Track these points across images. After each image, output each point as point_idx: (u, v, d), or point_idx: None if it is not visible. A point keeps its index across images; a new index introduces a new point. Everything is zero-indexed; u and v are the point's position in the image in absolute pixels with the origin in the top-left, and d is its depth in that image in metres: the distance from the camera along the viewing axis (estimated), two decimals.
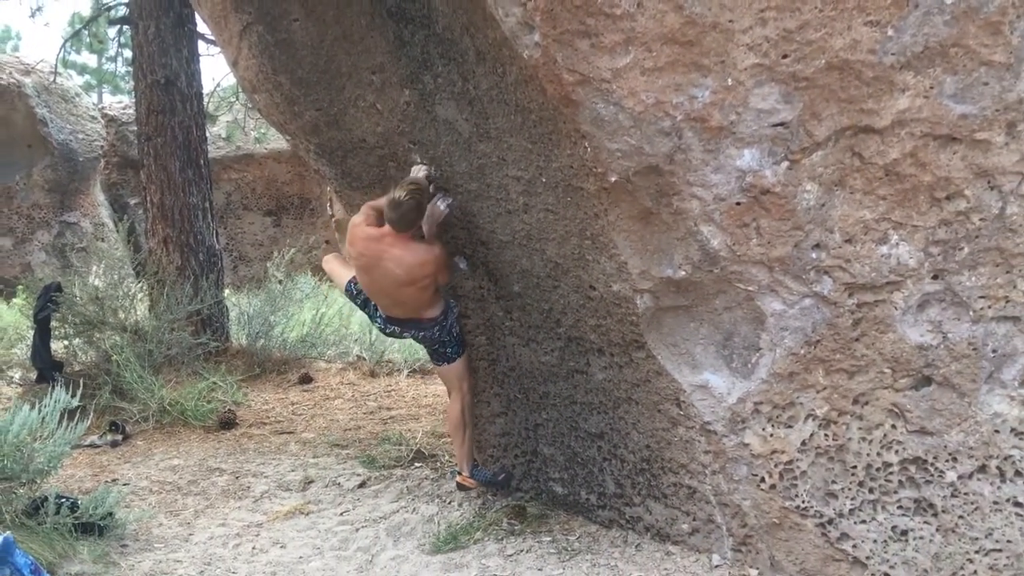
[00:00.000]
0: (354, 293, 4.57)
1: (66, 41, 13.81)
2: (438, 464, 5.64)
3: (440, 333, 4.47)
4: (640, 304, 3.45)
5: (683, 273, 3.27)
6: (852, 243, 2.98)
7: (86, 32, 13.45)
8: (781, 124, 2.89)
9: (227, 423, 7.01)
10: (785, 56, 2.78)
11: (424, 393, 7.96)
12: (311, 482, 5.46)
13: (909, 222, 2.91)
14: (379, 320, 4.50)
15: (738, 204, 3.04)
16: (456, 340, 4.57)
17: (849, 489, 3.25)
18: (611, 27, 2.81)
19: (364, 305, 4.57)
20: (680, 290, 3.35)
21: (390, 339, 9.07)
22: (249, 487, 5.41)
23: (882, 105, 2.79)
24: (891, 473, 3.18)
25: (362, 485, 5.33)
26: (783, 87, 2.83)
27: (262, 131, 16.48)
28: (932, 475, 3.11)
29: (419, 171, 4.15)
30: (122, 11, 11.38)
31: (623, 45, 2.83)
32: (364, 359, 9.26)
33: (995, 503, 3.00)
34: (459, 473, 4.65)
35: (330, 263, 4.90)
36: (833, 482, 3.27)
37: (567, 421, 4.34)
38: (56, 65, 13.87)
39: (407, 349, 8.88)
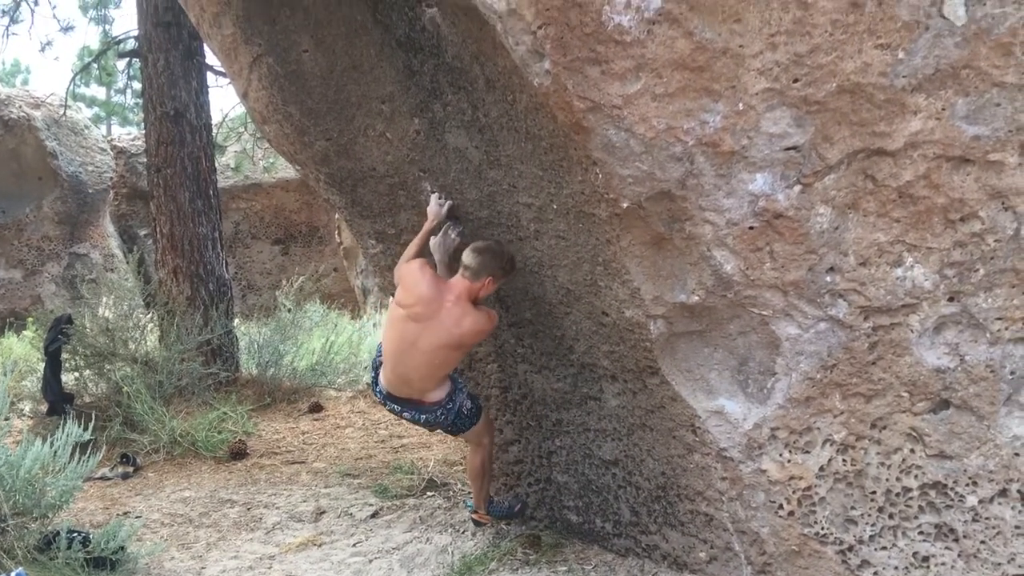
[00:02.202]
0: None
1: (76, 75, 13.94)
2: (451, 493, 5.61)
3: (446, 417, 4.20)
4: (653, 330, 3.43)
5: (696, 298, 3.26)
6: (867, 266, 2.97)
7: (95, 65, 13.56)
8: (793, 148, 2.88)
9: (238, 454, 6.99)
10: (796, 80, 2.78)
11: None
12: (323, 513, 5.43)
13: (924, 244, 2.89)
14: (379, 394, 4.27)
15: (751, 228, 3.03)
16: (469, 415, 4.26)
17: (869, 515, 3.21)
18: (621, 54, 2.82)
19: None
20: (694, 315, 3.33)
21: None
22: (261, 518, 5.38)
23: (894, 128, 2.78)
24: (911, 498, 3.14)
25: (374, 515, 5.30)
26: (794, 111, 2.83)
27: (271, 160, 16.59)
28: (952, 500, 3.08)
29: (433, 201, 4.15)
30: (131, 44, 11.49)
31: (633, 71, 2.83)
32: None
33: (1017, 527, 2.96)
34: (475, 511, 4.62)
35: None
36: (852, 508, 3.23)
37: (581, 448, 4.31)
38: (66, 98, 13.98)
39: None
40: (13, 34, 12.65)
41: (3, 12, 12.15)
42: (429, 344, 3.95)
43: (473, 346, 4.15)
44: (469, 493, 4.86)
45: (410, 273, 4.04)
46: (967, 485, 3.04)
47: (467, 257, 3.91)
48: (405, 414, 4.23)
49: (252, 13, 4.15)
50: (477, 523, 4.65)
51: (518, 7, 2.81)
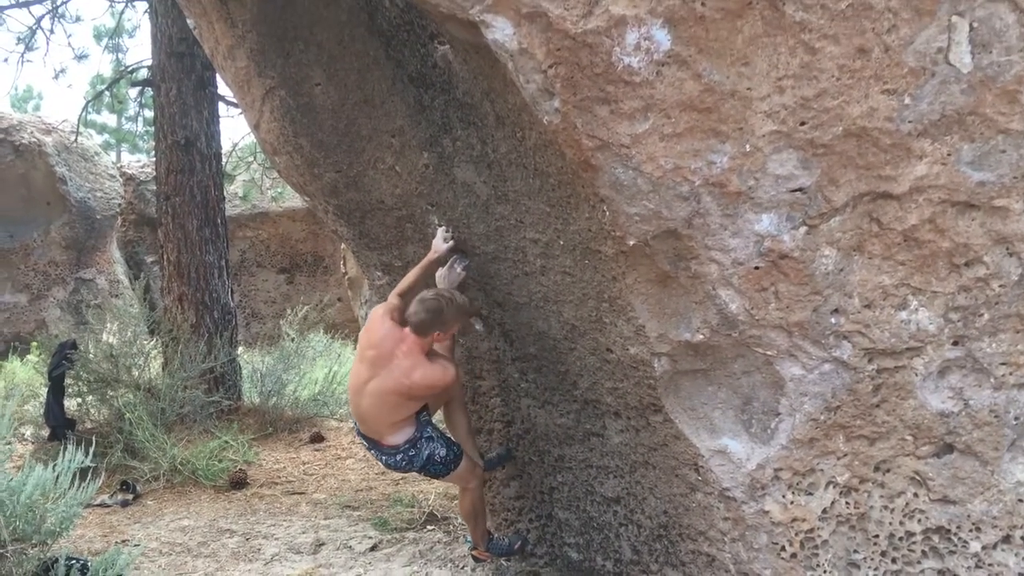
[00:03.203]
0: None
1: (89, 102, 14.09)
2: (451, 527, 5.58)
3: (404, 463, 4.15)
4: (658, 367, 3.43)
5: (701, 337, 3.26)
6: (871, 308, 2.98)
7: (107, 93, 13.72)
8: (799, 190, 2.91)
9: (238, 483, 6.97)
10: (803, 123, 2.81)
11: None
12: (322, 545, 5.40)
13: (928, 288, 2.91)
14: (355, 425, 4.29)
15: (756, 268, 3.04)
16: (443, 462, 4.19)
17: (872, 559, 3.19)
18: (630, 94, 2.85)
19: None
20: (698, 354, 3.34)
21: None
22: (260, 549, 5.35)
23: (900, 172, 2.81)
24: (914, 543, 3.13)
25: (374, 548, 5.27)
26: (801, 153, 2.86)
27: (278, 190, 16.69)
28: (956, 545, 3.06)
29: (440, 236, 4.17)
30: (144, 73, 11.62)
31: (642, 111, 2.86)
32: None
33: (1020, 574, 2.94)
34: (475, 548, 4.59)
35: None
36: (855, 551, 3.21)
37: (583, 485, 4.29)
38: (78, 125, 14.12)
39: None
40: (28, 61, 12.82)
41: (18, 40, 12.32)
42: (378, 389, 3.97)
43: (428, 398, 4.09)
44: (473, 559, 4.83)
45: (373, 318, 4.11)
46: (970, 531, 3.02)
47: (412, 311, 3.92)
48: (372, 451, 4.26)
49: (266, 47, 4.21)
50: (477, 559, 4.63)
51: (530, 46, 2.85)
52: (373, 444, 4.18)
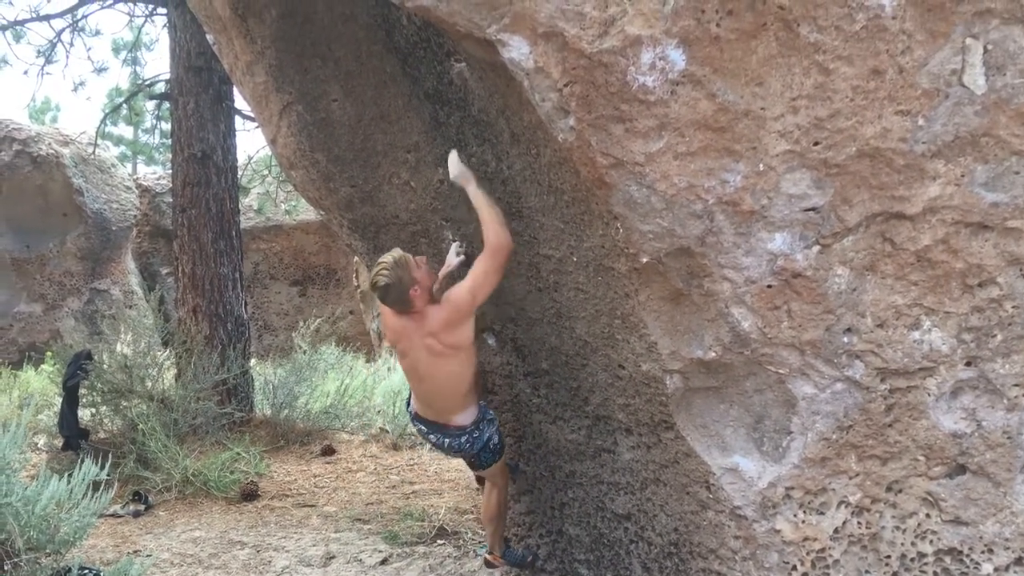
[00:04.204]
0: None
1: (107, 115, 14.22)
2: (461, 542, 5.58)
3: (468, 444, 4.15)
4: (670, 384, 3.44)
5: (713, 354, 3.27)
6: (884, 328, 2.98)
7: (125, 105, 13.86)
8: (812, 209, 2.92)
9: (249, 495, 6.99)
10: (816, 143, 2.82)
11: (447, 468, 7.92)
12: (332, 558, 5.41)
13: (941, 308, 2.91)
14: (410, 413, 4.33)
15: (769, 287, 3.05)
16: (494, 450, 4.25)
17: None
18: (645, 113, 2.87)
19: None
20: (710, 371, 3.34)
21: None
22: (270, 561, 5.36)
23: (913, 192, 2.82)
24: (926, 564, 3.12)
25: (384, 562, 5.27)
26: (814, 173, 2.87)
27: (292, 203, 16.78)
28: (968, 567, 3.05)
29: (453, 250, 4.20)
30: (161, 87, 11.74)
31: (656, 130, 2.89)
32: (387, 432, 9.25)
33: None
34: (490, 552, 4.59)
35: None
36: (866, 572, 3.20)
37: (593, 501, 4.29)
38: (96, 137, 14.26)
39: None
40: (48, 74, 12.96)
41: (39, 52, 12.46)
42: (425, 363, 3.98)
43: (464, 337, 3.91)
44: (479, 542, 4.84)
45: (385, 322, 4.14)
46: (983, 552, 3.01)
47: (386, 301, 3.92)
48: (431, 436, 4.22)
49: (284, 63, 4.25)
50: (489, 564, 4.62)
51: (545, 65, 2.88)
52: (436, 429, 4.15)
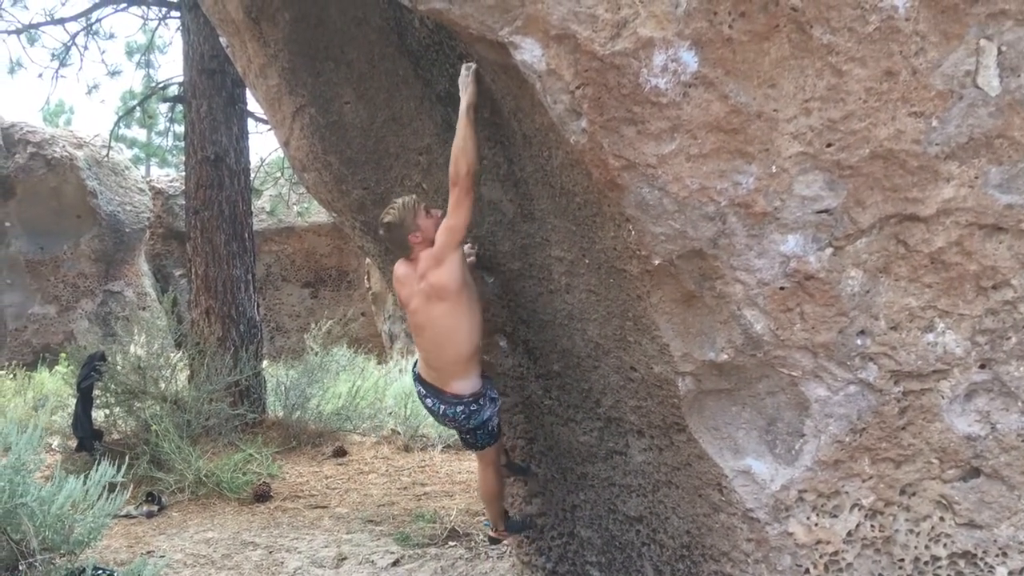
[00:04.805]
0: None
1: (120, 118, 14.30)
2: (472, 543, 5.59)
3: (464, 419, 4.10)
4: (682, 387, 3.43)
5: (725, 356, 3.26)
6: (897, 330, 2.97)
7: (138, 108, 13.94)
8: (825, 211, 2.91)
9: (262, 496, 7.02)
10: (829, 145, 2.82)
11: (458, 469, 7.93)
12: (344, 559, 5.42)
13: (955, 310, 2.90)
14: (414, 374, 4.28)
15: (782, 289, 3.04)
16: (492, 433, 4.22)
17: None
18: (657, 115, 2.87)
19: None
20: (722, 374, 3.34)
21: (425, 413, 9.13)
22: (283, 562, 5.38)
23: (927, 194, 2.80)
24: (940, 567, 3.10)
25: (396, 564, 5.29)
26: (827, 175, 2.86)
27: (305, 205, 16.83)
28: (982, 570, 3.03)
29: (465, 250, 4.21)
30: (174, 89, 11.80)
31: (669, 132, 2.88)
32: (399, 433, 9.27)
33: None
34: (494, 529, 4.59)
35: None
36: (880, 575, 3.19)
37: (605, 503, 4.29)
38: (110, 140, 14.34)
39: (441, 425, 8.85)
40: (62, 77, 13.04)
41: (53, 56, 12.54)
42: (424, 316, 3.97)
43: (449, 277, 3.82)
44: (489, 540, 4.84)
45: (394, 273, 4.19)
46: (997, 556, 2.99)
47: (390, 242, 3.99)
48: (428, 400, 4.18)
49: (297, 65, 4.27)
50: (494, 540, 4.62)
51: (557, 67, 2.88)
52: (434, 393, 4.11)
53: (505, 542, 4.70)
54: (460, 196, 3.63)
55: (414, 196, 3.99)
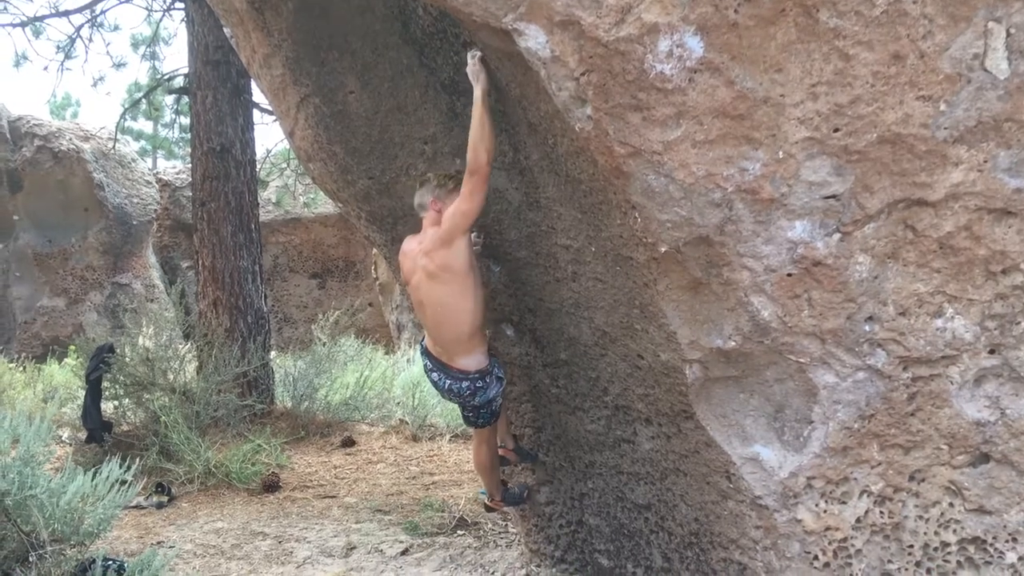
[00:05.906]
0: None
1: (126, 110, 14.30)
2: (481, 532, 5.59)
3: (470, 395, 4.10)
4: (689, 374, 3.43)
5: (733, 344, 3.25)
6: (906, 316, 2.95)
7: (144, 100, 13.94)
8: (833, 196, 2.89)
9: (271, 486, 7.04)
10: (836, 130, 2.80)
11: (466, 458, 7.93)
12: (353, 548, 5.44)
13: (964, 295, 2.88)
14: (421, 346, 4.29)
15: (789, 275, 3.03)
16: (493, 412, 4.23)
17: (906, 569, 3.16)
18: (663, 101, 2.85)
19: None
20: (730, 361, 3.33)
21: (433, 402, 9.14)
22: (292, 552, 5.40)
23: (935, 179, 2.78)
24: (949, 553, 3.09)
25: (405, 552, 5.29)
26: (834, 160, 2.84)
27: (311, 196, 16.84)
28: (992, 556, 3.02)
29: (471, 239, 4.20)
30: (180, 81, 11.79)
31: (674, 118, 2.87)
32: (407, 423, 9.28)
33: None
34: (489, 499, 4.61)
35: None
36: (889, 562, 3.18)
37: (613, 491, 4.29)
38: (116, 132, 14.34)
39: (449, 414, 8.88)
40: (67, 69, 13.03)
41: (58, 48, 12.53)
42: (426, 293, 3.99)
43: (454, 260, 3.83)
44: (499, 532, 4.85)
45: (402, 248, 4.23)
46: (1007, 541, 2.98)
47: (417, 188, 4.02)
48: (433, 374, 4.19)
49: (301, 55, 4.26)
50: (489, 509, 4.65)
51: (562, 54, 2.86)
52: (440, 368, 4.13)
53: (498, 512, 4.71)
54: (477, 183, 3.62)
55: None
